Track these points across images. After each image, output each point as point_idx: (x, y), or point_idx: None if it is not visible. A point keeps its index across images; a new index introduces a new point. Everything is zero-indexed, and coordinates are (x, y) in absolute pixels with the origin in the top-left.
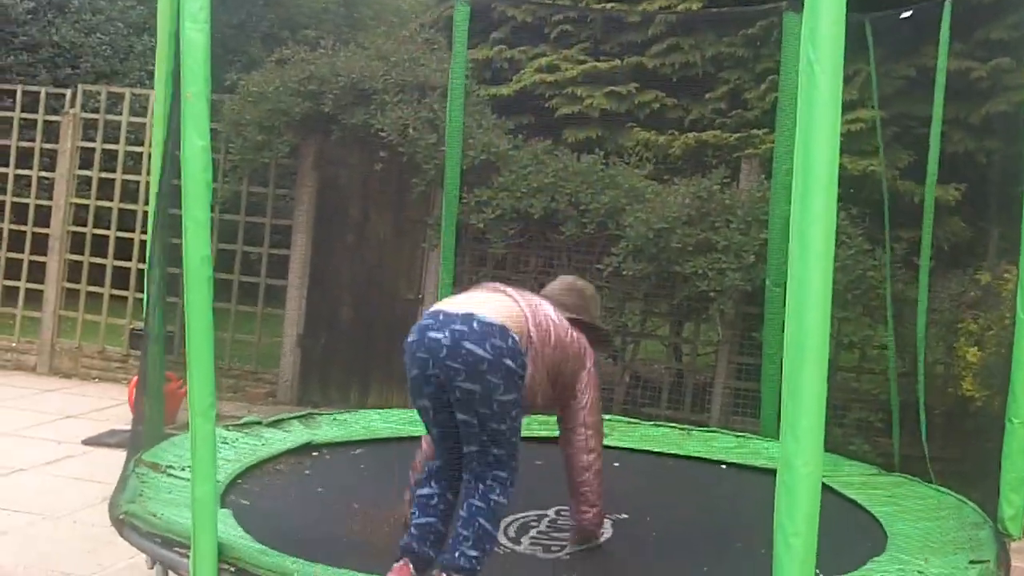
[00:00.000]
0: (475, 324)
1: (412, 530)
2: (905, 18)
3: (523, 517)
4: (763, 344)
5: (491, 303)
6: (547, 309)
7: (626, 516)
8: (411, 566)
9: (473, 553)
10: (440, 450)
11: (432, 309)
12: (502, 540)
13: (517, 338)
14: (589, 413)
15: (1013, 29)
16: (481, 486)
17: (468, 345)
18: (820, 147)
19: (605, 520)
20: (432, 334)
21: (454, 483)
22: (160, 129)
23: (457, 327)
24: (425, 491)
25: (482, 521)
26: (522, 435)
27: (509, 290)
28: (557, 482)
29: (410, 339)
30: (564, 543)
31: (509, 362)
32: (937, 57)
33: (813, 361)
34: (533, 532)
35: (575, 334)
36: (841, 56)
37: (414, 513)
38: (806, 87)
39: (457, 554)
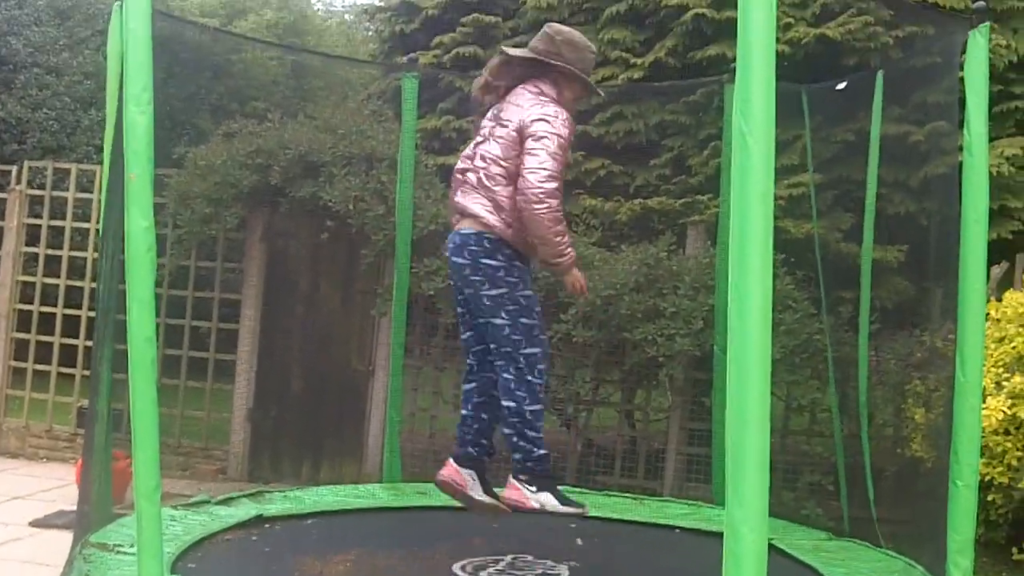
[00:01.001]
0: (457, 238)
1: (457, 434)
2: (840, 89)
3: (481, 559)
4: (713, 409)
5: (469, 208)
6: (494, 168)
7: (577, 564)
8: (453, 463)
9: (524, 445)
10: (473, 352)
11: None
12: (459, 572)
13: (491, 237)
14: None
15: (948, 93)
16: (506, 386)
17: (455, 258)
18: (754, 213)
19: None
20: (446, 254)
21: (486, 384)
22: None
23: (450, 244)
24: (465, 386)
25: (515, 419)
26: None
27: (473, 183)
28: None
29: None
30: None
31: (486, 261)
32: (880, 124)
33: (755, 425)
34: (490, 570)
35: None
36: (772, 126)
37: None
38: (739, 156)
39: (517, 456)
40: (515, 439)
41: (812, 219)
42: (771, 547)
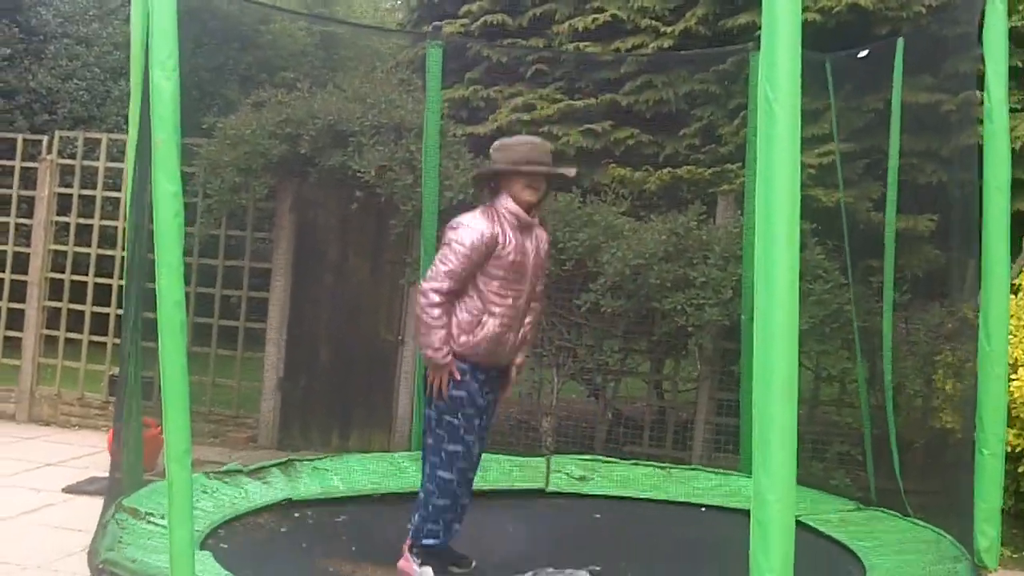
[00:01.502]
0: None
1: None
2: (862, 58)
3: None
4: (741, 379)
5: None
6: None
7: (598, 569)
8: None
9: (420, 526)
10: None
11: None
12: None
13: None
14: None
15: (978, 61)
16: (426, 472)
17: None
18: (780, 180)
19: None
20: None
21: None
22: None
23: None
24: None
25: (421, 507)
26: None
27: None
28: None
29: None
30: None
31: None
32: (901, 91)
33: (781, 394)
34: None
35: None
36: (798, 93)
37: None
38: (765, 122)
39: (412, 531)
40: (417, 519)
41: (839, 190)
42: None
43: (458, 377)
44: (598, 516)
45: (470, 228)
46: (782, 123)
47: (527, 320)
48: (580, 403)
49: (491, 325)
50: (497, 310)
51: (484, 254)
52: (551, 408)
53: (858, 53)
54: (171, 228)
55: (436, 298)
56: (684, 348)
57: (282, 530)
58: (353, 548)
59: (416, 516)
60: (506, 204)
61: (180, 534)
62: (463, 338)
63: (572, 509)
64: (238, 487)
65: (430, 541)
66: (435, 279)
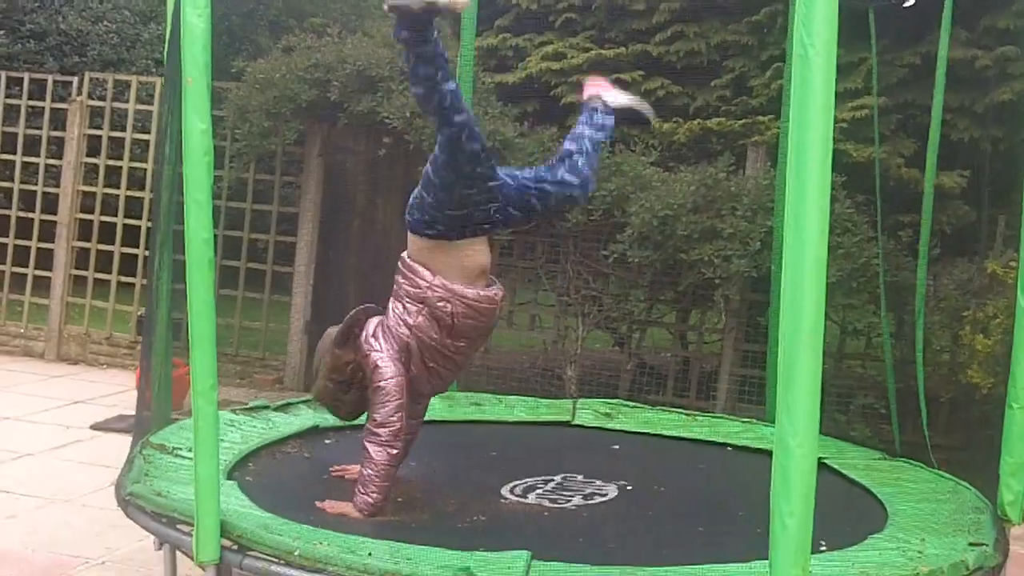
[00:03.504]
0: None
1: None
2: (908, 6)
3: (531, 480)
4: (768, 329)
5: None
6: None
7: (629, 486)
8: None
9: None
10: None
11: None
12: (508, 495)
13: None
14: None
15: (1018, 17)
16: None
17: None
18: (814, 128)
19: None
20: None
21: None
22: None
23: None
24: None
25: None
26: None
27: None
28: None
29: None
30: (570, 498)
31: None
32: (948, 45)
33: (807, 339)
34: (539, 491)
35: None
36: (835, 39)
37: None
38: (799, 69)
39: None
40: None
41: (875, 143)
42: (822, 464)
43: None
44: (616, 447)
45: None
46: (817, 69)
47: None
48: (605, 352)
49: None
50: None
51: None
52: (575, 356)
53: (904, 2)
54: (200, 166)
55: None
56: (710, 299)
57: (305, 455)
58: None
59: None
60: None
61: (206, 469)
62: None
63: (598, 439)
64: (265, 420)
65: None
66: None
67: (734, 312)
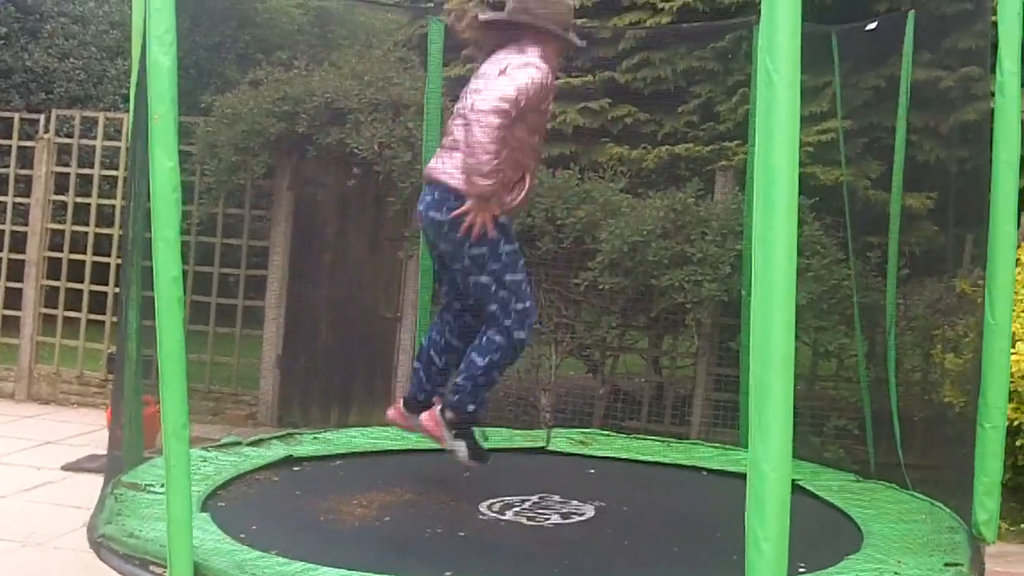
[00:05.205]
0: (436, 193)
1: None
2: (870, 30)
3: (507, 499)
4: (740, 354)
5: (451, 157)
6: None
7: (603, 504)
8: (400, 405)
9: (468, 398)
10: (444, 308)
11: (425, 171)
12: (486, 512)
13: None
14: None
15: (980, 38)
16: (486, 345)
17: (432, 214)
18: (780, 151)
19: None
20: (419, 207)
21: (445, 340)
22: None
23: (427, 197)
24: (422, 343)
25: (477, 375)
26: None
27: (447, 144)
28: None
29: None
30: (548, 516)
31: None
32: (911, 67)
33: (778, 362)
34: (516, 509)
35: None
36: (798, 64)
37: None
38: (765, 94)
39: (456, 399)
40: (465, 387)
41: (842, 165)
42: (796, 487)
43: (485, 223)
44: (592, 471)
45: (543, 70)
46: (782, 93)
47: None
48: (578, 379)
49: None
50: (532, 165)
51: (540, 98)
52: (549, 384)
53: (866, 25)
54: (168, 203)
55: (502, 118)
56: (682, 324)
57: (275, 479)
58: (351, 488)
59: (460, 385)
60: (547, 58)
61: (178, 510)
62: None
63: (573, 463)
64: (238, 455)
65: (478, 410)
66: (503, 100)
67: (706, 336)
